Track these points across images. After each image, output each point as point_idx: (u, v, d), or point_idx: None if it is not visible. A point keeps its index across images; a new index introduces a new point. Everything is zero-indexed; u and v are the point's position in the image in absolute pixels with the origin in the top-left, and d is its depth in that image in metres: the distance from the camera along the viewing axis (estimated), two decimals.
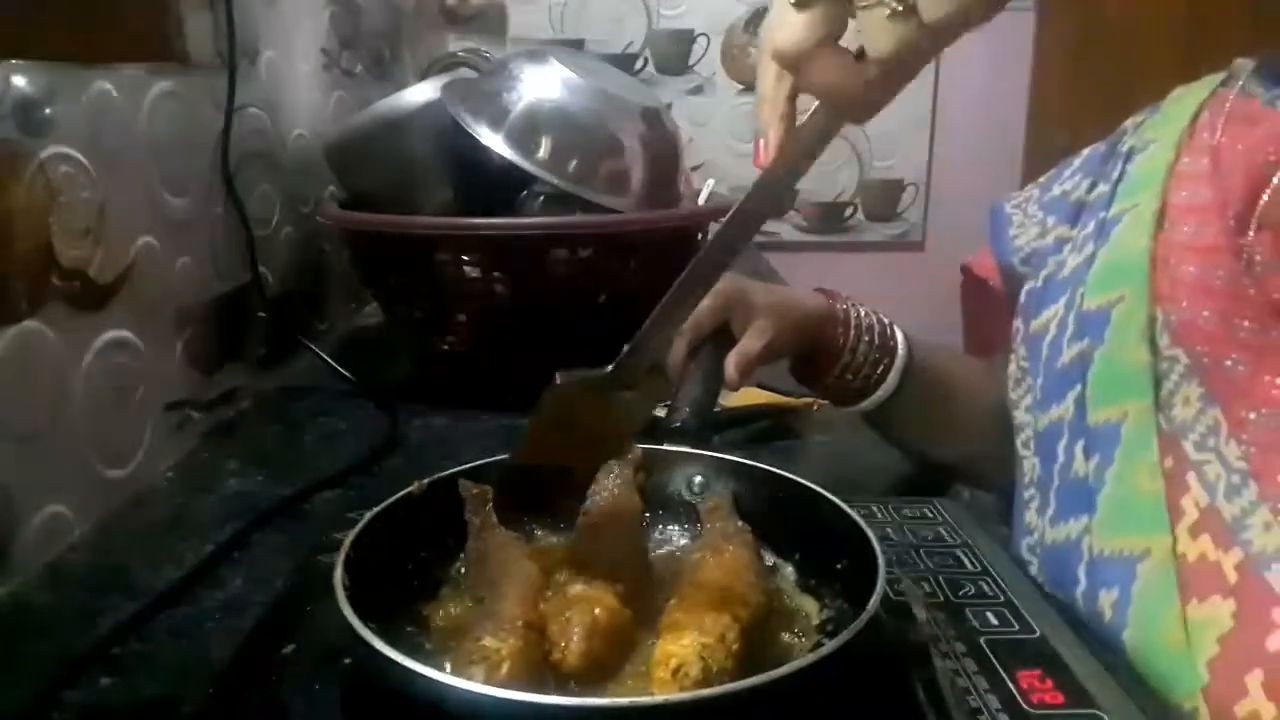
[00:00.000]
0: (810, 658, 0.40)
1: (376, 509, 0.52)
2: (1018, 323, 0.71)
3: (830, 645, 0.40)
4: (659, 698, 0.41)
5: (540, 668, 0.44)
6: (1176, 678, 0.48)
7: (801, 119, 0.44)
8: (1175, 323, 0.56)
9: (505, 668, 0.43)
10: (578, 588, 0.47)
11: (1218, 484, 0.50)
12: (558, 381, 0.52)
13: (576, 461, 0.54)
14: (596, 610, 0.45)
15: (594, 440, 0.54)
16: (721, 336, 0.70)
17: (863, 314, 0.74)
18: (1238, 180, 0.57)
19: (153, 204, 0.79)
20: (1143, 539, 0.52)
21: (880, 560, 0.46)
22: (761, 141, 0.45)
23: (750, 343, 0.69)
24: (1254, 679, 0.46)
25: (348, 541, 0.48)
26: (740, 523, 0.55)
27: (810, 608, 0.51)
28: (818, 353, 0.73)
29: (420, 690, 0.39)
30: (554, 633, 0.45)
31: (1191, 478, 0.52)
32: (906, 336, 0.74)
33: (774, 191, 0.46)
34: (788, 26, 0.40)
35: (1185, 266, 0.57)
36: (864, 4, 0.38)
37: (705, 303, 0.70)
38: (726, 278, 0.73)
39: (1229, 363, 0.53)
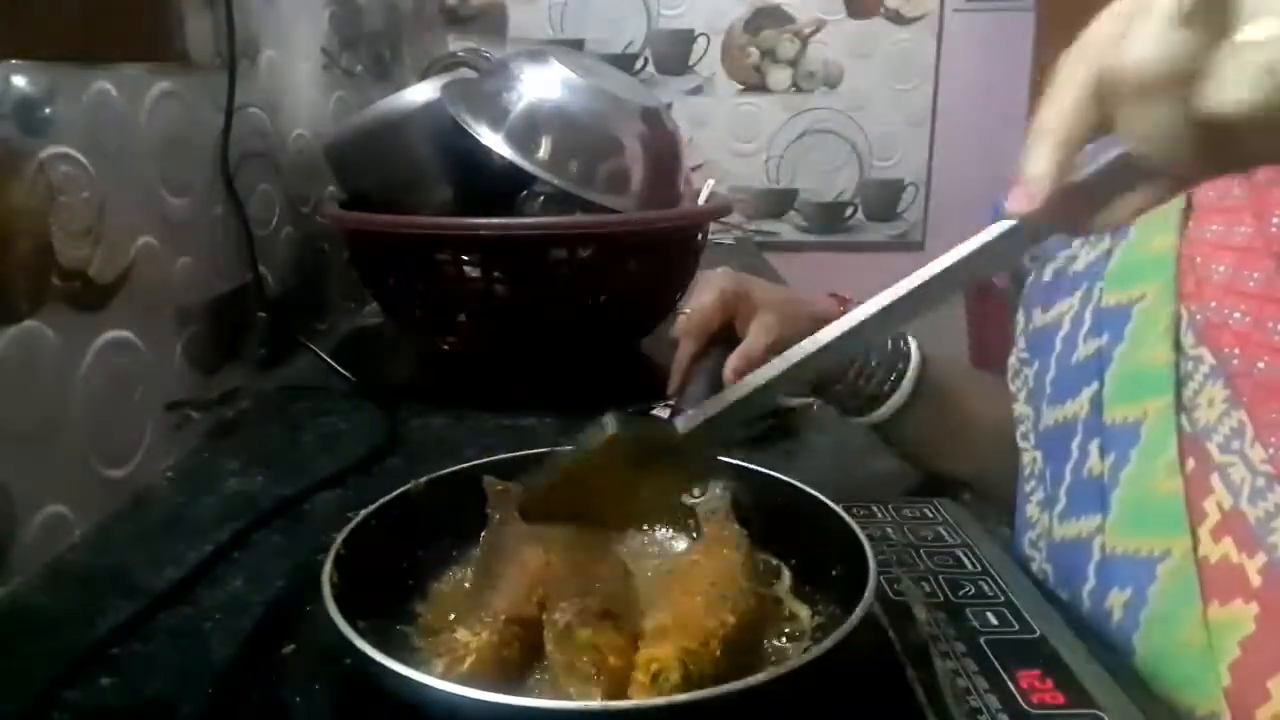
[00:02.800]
0: (784, 667, 0.40)
1: (371, 507, 0.52)
2: (1019, 315, 0.70)
3: (807, 655, 0.40)
4: (634, 703, 0.40)
5: (515, 663, 0.44)
6: (1195, 680, 0.48)
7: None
8: (1201, 322, 0.55)
9: (468, 662, 0.43)
10: (585, 633, 0.44)
11: (1242, 487, 0.50)
12: (610, 427, 0.43)
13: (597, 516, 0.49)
14: (611, 658, 0.43)
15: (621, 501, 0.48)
16: (729, 336, 0.69)
17: None
18: None
19: (153, 204, 0.79)
20: (1161, 540, 0.51)
21: (871, 570, 0.46)
22: (1028, 178, 0.35)
23: (753, 342, 0.67)
24: (1277, 683, 0.45)
25: (340, 539, 0.48)
26: (737, 526, 0.55)
27: (803, 613, 0.51)
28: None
29: (394, 688, 0.39)
30: (567, 683, 0.43)
31: (1215, 479, 0.51)
32: (920, 345, 0.73)
33: (1010, 245, 0.38)
34: (1145, 42, 0.31)
35: (1214, 265, 0.56)
36: (1249, 38, 0.29)
37: (707, 300, 0.69)
38: (728, 275, 0.72)
39: (1261, 365, 0.51)
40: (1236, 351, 0.53)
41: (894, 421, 0.73)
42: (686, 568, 0.51)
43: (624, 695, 0.41)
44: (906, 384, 0.71)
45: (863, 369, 0.71)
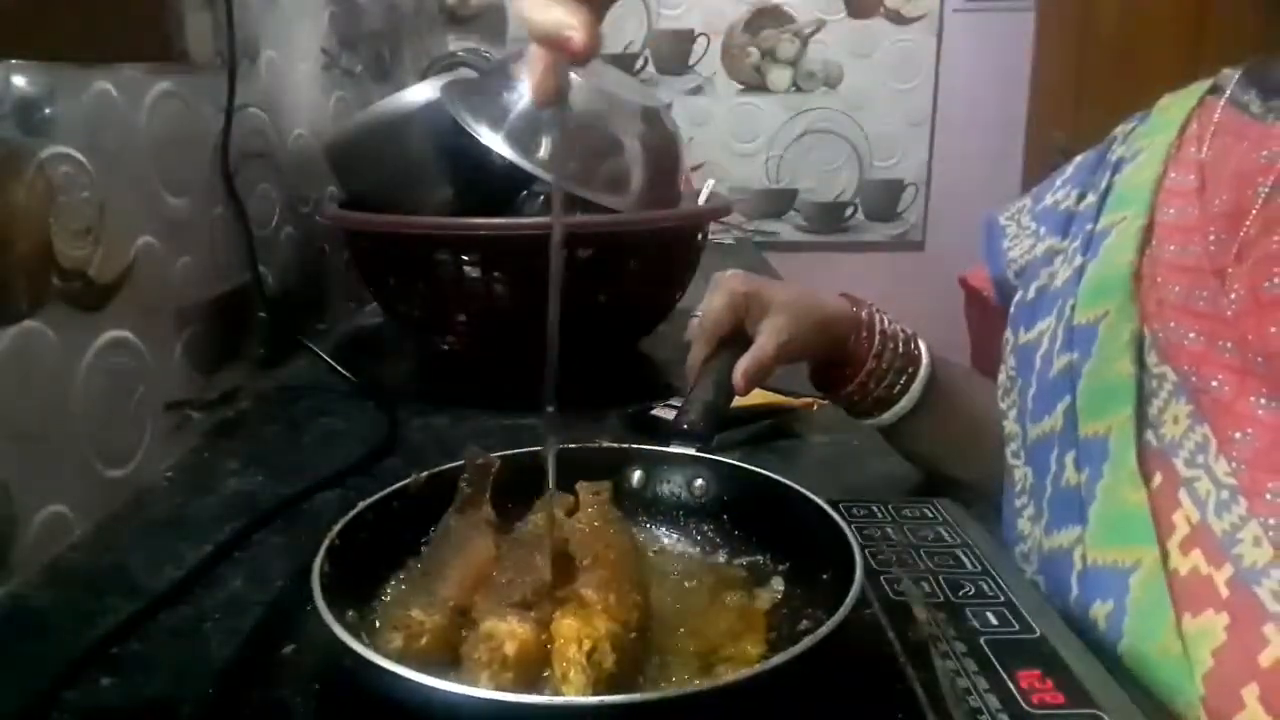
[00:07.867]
0: (761, 666, 0.39)
1: (368, 500, 0.52)
2: (1008, 333, 0.70)
3: (788, 653, 0.39)
4: (632, 696, 0.40)
5: (455, 651, 0.44)
6: (1176, 688, 0.48)
7: None
8: (1162, 341, 0.56)
9: (425, 640, 0.43)
10: (489, 622, 0.43)
11: (1208, 500, 0.51)
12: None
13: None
14: (506, 645, 0.42)
15: None
16: (741, 337, 0.69)
17: (887, 321, 0.72)
18: (1224, 200, 0.57)
19: (153, 204, 0.79)
20: (1133, 551, 0.52)
21: (857, 578, 0.45)
22: None
23: (764, 345, 0.67)
24: (1250, 692, 0.46)
25: (335, 530, 0.49)
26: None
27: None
28: (841, 358, 0.71)
29: (374, 681, 0.39)
30: (466, 671, 0.42)
31: (1183, 494, 0.52)
32: (929, 348, 0.73)
33: None
34: None
35: (1172, 285, 0.57)
36: None
37: (720, 302, 0.69)
38: (739, 276, 0.71)
39: (1215, 383, 0.53)
40: (1194, 370, 0.54)
41: (901, 424, 0.72)
42: (587, 538, 0.51)
43: (529, 680, 0.42)
44: (916, 387, 0.71)
45: (874, 371, 0.71)
